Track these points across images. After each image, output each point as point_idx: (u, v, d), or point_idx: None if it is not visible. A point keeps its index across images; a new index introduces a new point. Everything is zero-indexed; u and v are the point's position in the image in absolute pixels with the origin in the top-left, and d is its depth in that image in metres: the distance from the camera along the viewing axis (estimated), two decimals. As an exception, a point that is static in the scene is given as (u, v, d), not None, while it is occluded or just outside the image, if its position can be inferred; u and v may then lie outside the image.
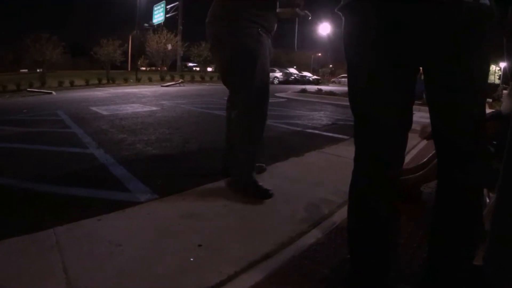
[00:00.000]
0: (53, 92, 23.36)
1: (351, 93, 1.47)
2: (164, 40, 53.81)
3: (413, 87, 1.40)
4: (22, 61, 52.95)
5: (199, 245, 2.11)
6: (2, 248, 2.15)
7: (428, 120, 1.45)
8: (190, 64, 70.21)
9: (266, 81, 3.17)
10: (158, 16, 53.96)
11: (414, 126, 1.46)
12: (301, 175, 3.43)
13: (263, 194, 2.88)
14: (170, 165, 4.29)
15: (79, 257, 2.03)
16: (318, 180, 3.27)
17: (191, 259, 1.97)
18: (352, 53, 1.43)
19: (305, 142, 5.29)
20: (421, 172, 2.89)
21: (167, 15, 53.42)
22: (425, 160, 3.03)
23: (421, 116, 2.68)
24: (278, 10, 3.18)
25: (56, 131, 7.04)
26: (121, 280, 1.81)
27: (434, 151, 1.49)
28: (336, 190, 2.95)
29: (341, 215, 2.49)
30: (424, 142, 4.02)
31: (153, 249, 2.11)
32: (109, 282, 1.80)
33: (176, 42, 54.67)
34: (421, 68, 1.39)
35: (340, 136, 5.49)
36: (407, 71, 1.34)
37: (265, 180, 3.20)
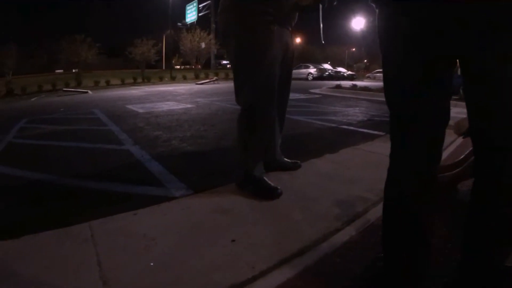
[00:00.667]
0: (89, 91, 23.94)
1: (387, 88, 1.44)
2: (197, 39, 54.32)
3: (450, 81, 1.36)
4: (57, 62, 54.29)
5: (233, 240, 2.12)
6: (38, 241, 2.22)
7: (465, 116, 1.40)
8: (224, 62, 70.49)
9: (272, 80, 2.89)
10: (191, 15, 54.43)
11: (451, 122, 1.42)
12: (335, 172, 3.39)
13: (268, 194, 2.80)
14: (205, 161, 4.31)
15: (113, 251, 2.08)
16: (353, 177, 3.22)
17: (224, 254, 1.98)
18: (387, 47, 1.40)
19: (340, 138, 5.22)
20: (457, 170, 2.81)
21: (199, 14, 53.85)
22: (461, 157, 2.95)
23: (457, 111, 2.59)
24: None
25: (93, 129, 7.23)
26: (154, 273, 1.84)
27: (471, 148, 1.44)
28: (371, 187, 2.89)
29: (376, 213, 2.46)
30: (461, 139, 3.91)
31: (187, 243, 2.13)
32: (143, 275, 1.83)
33: (210, 40, 55.07)
34: (458, 61, 1.34)
35: (376, 132, 5.39)
36: (443, 64, 1.30)
37: (299, 177, 3.21)
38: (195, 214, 2.56)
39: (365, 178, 3.16)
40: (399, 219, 1.48)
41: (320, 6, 2.97)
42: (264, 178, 2.96)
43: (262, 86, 2.82)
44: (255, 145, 2.95)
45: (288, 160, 3.50)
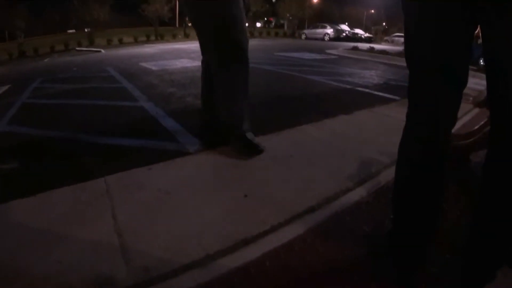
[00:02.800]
0: (102, 50, 23.75)
1: (407, 46, 1.42)
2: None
3: (470, 45, 1.33)
4: (69, 21, 53.89)
5: (245, 195, 2.16)
6: (56, 196, 2.29)
7: (482, 88, 1.38)
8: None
9: (240, 37, 2.81)
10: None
11: (468, 92, 1.41)
12: (349, 132, 3.38)
13: (252, 149, 2.79)
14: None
15: (128, 204, 2.13)
16: (366, 138, 3.22)
17: (237, 208, 2.03)
18: (409, 5, 1.37)
19: (355, 100, 5.17)
20: (471, 139, 2.79)
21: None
22: (476, 127, 2.92)
23: (476, 82, 2.54)
24: None
25: (107, 87, 7.22)
26: (168, 226, 1.89)
27: (486, 119, 1.41)
28: (384, 150, 2.88)
29: (387, 176, 2.46)
30: (477, 110, 3.85)
31: (200, 197, 2.18)
32: (157, 228, 1.88)
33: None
34: (478, 30, 1.31)
35: (391, 96, 5.32)
36: (464, 25, 1.27)
37: (313, 135, 3.23)
38: (209, 169, 2.61)
39: (378, 141, 3.15)
40: (410, 182, 1.48)
41: None
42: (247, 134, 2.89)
43: (230, 44, 2.77)
44: (236, 102, 2.88)
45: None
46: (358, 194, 2.25)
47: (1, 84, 9.68)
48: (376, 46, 17.68)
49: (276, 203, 2.08)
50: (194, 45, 21.07)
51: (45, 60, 20.75)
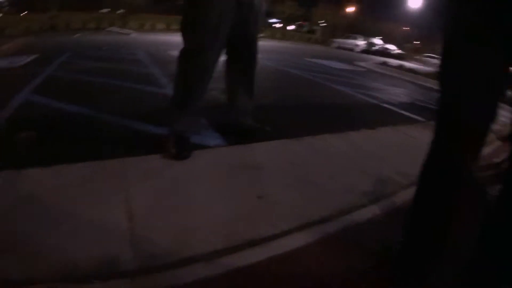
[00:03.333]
0: (133, 33, 23.92)
1: (446, 77, 1.40)
2: (246, -5, 53.50)
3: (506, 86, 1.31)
4: (104, 1, 54.51)
5: (259, 197, 2.16)
6: (70, 170, 2.33)
7: (508, 120, 1.36)
8: (271, 20, 69.35)
9: (205, 43, 2.67)
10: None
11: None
12: (370, 148, 3.34)
13: (176, 154, 2.66)
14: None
15: (142, 189, 2.16)
16: (386, 156, 3.18)
17: (249, 209, 2.03)
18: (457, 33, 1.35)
19: (379, 116, 5.13)
20: (489, 172, 2.75)
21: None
22: (497, 161, 2.88)
23: (502, 114, 2.49)
24: None
25: (134, 70, 7.29)
26: (179, 216, 1.91)
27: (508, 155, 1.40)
28: (403, 170, 2.84)
29: (403, 196, 2.42)
30: (499, 143, 3.77)
31: (214, 192, 2.19)
32: (167, 216, 1.90)
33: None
34: None
35: (416, 117, 5.23)
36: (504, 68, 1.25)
37: (333, 146, 3.22)
38: (227, 165, 2.62)
39: (398, 160, 3.11)
40: (427, 210, 1.46)
41: None
42: (186, 136, 2.81)
43: (198, 27, 2.66)
44: (181, 93, 2.83)
45: (254, 123, 3.30)
46: (371, 211, 2.22)
47: (31, 53, 9.84)
48: (406, 64, 17.51)
49: (288, 208, 2.07)
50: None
51: (76, 36, 20.97)
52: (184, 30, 2.71)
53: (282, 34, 39.49)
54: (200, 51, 2.67)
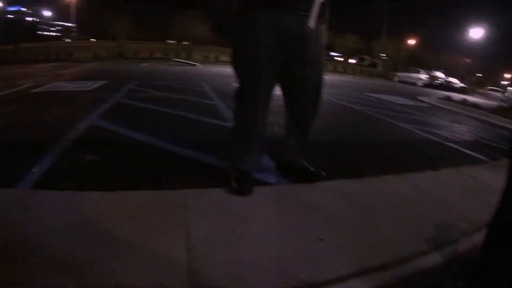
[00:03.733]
0: (198, 65, 24.59)
1: None
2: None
3: None
4: (170, 33, 56.81)
5: (320, 239, 2.14)
6: (133, 197, 2.45)
7: None
8: (332, 54, 69.35)
9: (251, 80, 2.69)
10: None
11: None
12: (433, 190, 3.24)
13: (236, 190, 2.66)
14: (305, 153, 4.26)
15: (202, 222, 2.21)
16: (449, 200, 3.07)
17: (309, 250, 2.03)
18: None
19: (442, 155, 5.00)
20: None
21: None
22: None
23: None
24: None
25: (199, 101, 7.53)
26: (238, 252, 1.94)
27: None
28: (466, 215, 2.74)
29: (465, 244, 2.34)
30: None
31: (275, 231, 2.20)
32: (226, 251, 1.94)
33: (322, 30, 54.18)
34: None
35: (481, 156, 5.05)
36: None
37: (395, 188, 3.15)
38: (287, 203, 2.62)
39: (462, 205, 3.00)
40: (498, 263, 1.40)
41: None
42: (248, 172, 2.83)
43: (241, 84, 2.73)
44: (239, 128, 2.86)
45: (309, 168, 3.16)
46: (432, 259, 2.14)
47: (100, 79, 10.40)
48: (469, 98, 16.97)
49: (349, 252, 2.05)
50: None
51: (143, 65, 21.88)
52: (233, 66, 2.76)
53: (343, 68, 39.35)
54: (248, 87, 2.70)
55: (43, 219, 2.11)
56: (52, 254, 1.76)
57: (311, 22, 2.64)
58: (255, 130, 2.79)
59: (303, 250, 2.02)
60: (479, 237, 2.37)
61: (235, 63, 2.75)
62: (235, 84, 2.76)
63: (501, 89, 36.35)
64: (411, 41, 61.54)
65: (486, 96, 32.92)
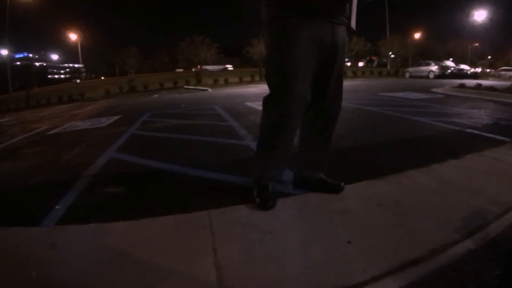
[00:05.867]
0: (209, 89, 24.97)
1: None
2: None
3: None
4: (177, 61, 57.84)
5: (348, 242, 2.12)
6: (158, 224, 2.46)
7: None
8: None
9: (287, 90, 2.55)
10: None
11: None
12: (458, 179, 3.18)
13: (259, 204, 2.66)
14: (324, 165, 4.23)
15: (229, 240, 2.21)
16: (476, 186, 3.01)
17: (339, 255, 2.00)
18: None
19: (464, 143, 4.91)
20: None
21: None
22: None
23: None
24: None
25: (214, 124, 7.59)
26: (266, 265, 1.92)
27: None
28: (494, 198, 2.68)
29: (497, 227, 2.29)
30: None
31: (301, 240, 2.18)
32: (255, 266, 1.93)
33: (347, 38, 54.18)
34: None
35: (502, 138, 4.95)
36: None
37: (421, 183, 3.10)
38: (313, 211, 2.61)
39: (488, 188, 2.94)
40: None
41: None
42: (269, 185, 2.79)
43: (274, 95, 2.63)
44: (268, 141, 2.78)
45: (327, 180, 3.03)
46: (465, 247, 2.09)
47: (113, 114, 10.58)
48: (483, 82, 16.74)
49: (379, 252, 2.01)
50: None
51: (154, 96, 22.28)
52: (269, 77, 2.69)
53: (353, 72, 39.24)
54: (283, 98, 2.58)
55: (70, 253, 2.17)
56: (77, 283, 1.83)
57: (353, 24, 2.66)
58: (282, 143, 2.74)
59: (334, 256, 1.99)
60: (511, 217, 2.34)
61: (272, 73, 2.67)
62: (267, 95, 2.70)
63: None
64: (417, 35, 61.35)
65: (499, 77, 32.47)
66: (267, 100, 2.70)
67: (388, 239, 2.15)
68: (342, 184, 2.94)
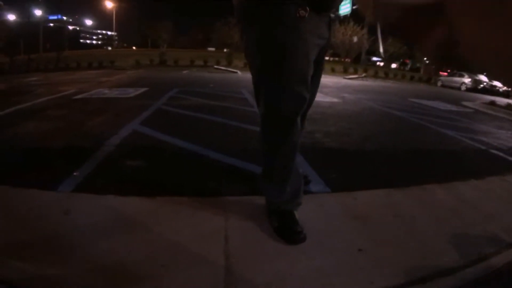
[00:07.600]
0: (239, 72, 24.77)
1: None
2: (350, 32, 53.58)
3: None
4: (210, 41, 57.73)
5: (359, 250, 2.12)
6: (174, 204, 2.50)
7: None
8: (374, 59, 68.36)
9: (299, 90, 2.07)
10: (345, 7, 53.22)
11: None
12: (477, 201, 3.14)
13: (287, 236, 2.19)
14: (347, 161, 4.26)
15: (242, 229, 2.24)
16: (493, 211, 2.97)
17: (348, 261, 2.01)
18: None
19: (487, 163, 4.84)
20: None
21: (353, 7, 52.67)
22: None
23: None
24: None
25: (240, 108, 7.62)
26: (275, 259, 1.96)
27: None
28: (509, 227, 2.65)
29: (506, 257, 2.26)
30: None
31: (314, 240, 2.19)
32: (265, 258, 1.96)
33: (362, 35, 53.79)
34: None
35: (526, 165, 4.88)
36: None
37: (439, 198, 3.09)
38: (328, 213, 2.60)
39: (506, 215, 2.91)
40: None
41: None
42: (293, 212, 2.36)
43: (289, 95, 2.09)
44: (279, 166, 2.31)
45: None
46: (472, 272, 2.07)
47: (141, 86, 10.66)
48: (513, 102, 16.39)
49: (388, 264, 2.02)
50: (327, 79, 21.27)
51: (184, 72, 22.27)
52: (263, 72, 2.22)
53: (385, 73, 38.71)
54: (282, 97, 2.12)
55: (83, 222, 2.23)
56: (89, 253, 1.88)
57: (381, 50, 2.51)
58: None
59: (343, 262, 2.00)
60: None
61: (268, 68, 2.13)
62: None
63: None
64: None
65: (533, 98, 31.65)
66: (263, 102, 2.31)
67: (399, 253, 2.15)
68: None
